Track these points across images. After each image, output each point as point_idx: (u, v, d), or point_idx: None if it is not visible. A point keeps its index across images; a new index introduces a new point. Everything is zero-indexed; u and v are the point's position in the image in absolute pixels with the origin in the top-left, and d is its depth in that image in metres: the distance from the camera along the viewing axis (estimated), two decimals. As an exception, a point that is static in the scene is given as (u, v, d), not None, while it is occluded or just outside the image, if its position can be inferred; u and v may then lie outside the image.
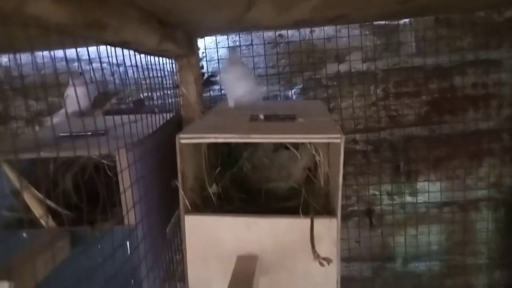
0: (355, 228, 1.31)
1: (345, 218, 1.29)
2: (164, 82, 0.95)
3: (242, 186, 0.91)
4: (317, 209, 0.73)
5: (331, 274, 0.70)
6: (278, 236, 0.71)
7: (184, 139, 0.67)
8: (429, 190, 1.27)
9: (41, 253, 0.59)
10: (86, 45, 0.55)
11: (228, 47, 1.22)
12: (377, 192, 1.28)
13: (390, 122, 1.23)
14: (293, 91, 1.23)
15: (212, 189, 0.77)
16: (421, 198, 1.28)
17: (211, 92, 1.25)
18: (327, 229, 0.70)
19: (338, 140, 0.64)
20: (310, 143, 0.82)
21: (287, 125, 0.74)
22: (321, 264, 0.65)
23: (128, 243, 0.70)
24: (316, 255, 0.64)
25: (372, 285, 1.36)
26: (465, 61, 1.19)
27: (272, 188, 0.94)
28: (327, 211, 0.76)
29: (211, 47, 1.22)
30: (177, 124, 1.06)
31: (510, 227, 1.29)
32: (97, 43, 0.52)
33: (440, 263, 1.33)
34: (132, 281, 0.70)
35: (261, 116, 0.80)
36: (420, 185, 1.27)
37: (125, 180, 0.66)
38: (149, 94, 1.20)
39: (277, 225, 0.71)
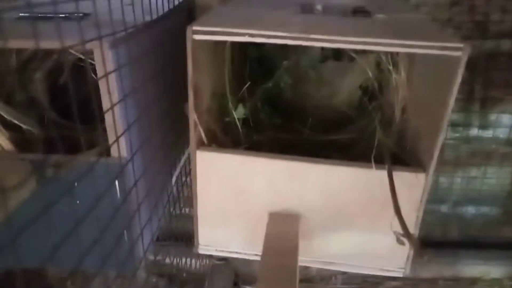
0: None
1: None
2: None
3: (277, 108, 0.68)
4: (392, 156, 0.51)
5: (403, 249, 0.50)
6: (332, 190, 0.51)
7: (200, 33, 0.42)
8: (506, 123, 1.03)
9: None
10: None
11: None
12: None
13: (474, 29, 0.95)
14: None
15: (238, 112, 0.55)
16: (492, 133, 1.04)
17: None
18: (408, 187, 0.49)
19: (459, 53, 0.40)
20: (395, 52, 0.57)
21: (365, 24, 0.49)
22: (400, 243, 0.44)
23: (117, 183, 0.50)
24: (396, 233, 0.43)
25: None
26: None
27: (317, 112, 0.71)
28: (404, 157, 0.53)
29: None
30: (188, 14, 0.79)
31: None
32: None
33: (499, 209, 1.14)
34: (126, 235, 0.52)
35: (318, 7, 0.54)
36: (495, 116, 1.02)
37: (110, 91, 0.43)
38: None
39: (333, 174, 0.50)
